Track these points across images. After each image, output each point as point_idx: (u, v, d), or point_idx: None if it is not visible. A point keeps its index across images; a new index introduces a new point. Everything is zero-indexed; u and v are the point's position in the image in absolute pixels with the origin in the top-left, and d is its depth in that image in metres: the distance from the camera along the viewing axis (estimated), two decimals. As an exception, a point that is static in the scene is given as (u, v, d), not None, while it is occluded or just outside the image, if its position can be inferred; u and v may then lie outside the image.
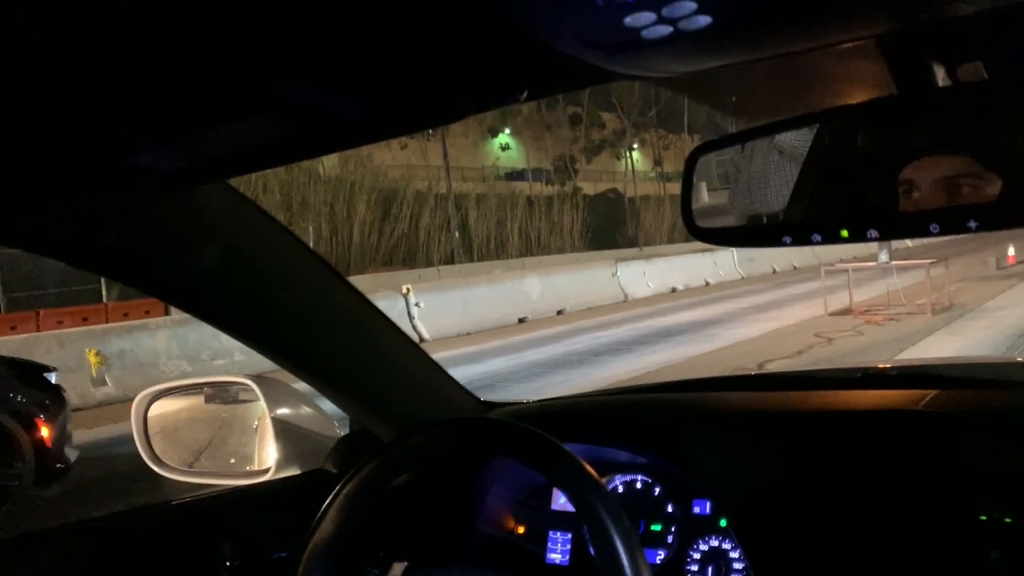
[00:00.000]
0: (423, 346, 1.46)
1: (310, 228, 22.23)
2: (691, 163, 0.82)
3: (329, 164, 24.67)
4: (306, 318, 1.20)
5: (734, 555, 1.21)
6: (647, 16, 0.45)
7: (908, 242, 18.66)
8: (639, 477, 1.35)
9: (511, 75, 0.58)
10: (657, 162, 37.42)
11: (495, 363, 10.05)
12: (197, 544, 1.24)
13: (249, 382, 1.42)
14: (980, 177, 0.65)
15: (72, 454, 5.54)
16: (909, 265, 12.14)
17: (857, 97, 0.71)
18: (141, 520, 1.25)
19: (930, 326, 9.93)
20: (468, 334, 13.12)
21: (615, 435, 1.37)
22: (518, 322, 14.34)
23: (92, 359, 9.54)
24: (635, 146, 36.16)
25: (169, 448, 1.45)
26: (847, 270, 12.86)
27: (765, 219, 0.81)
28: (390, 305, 11.88)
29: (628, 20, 0.45)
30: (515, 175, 32.68)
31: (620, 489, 1.35)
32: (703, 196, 0.82)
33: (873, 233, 0.69)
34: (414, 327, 12.63)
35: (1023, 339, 8.58)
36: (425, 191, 27.11)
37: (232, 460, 1.52)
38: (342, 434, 1.43)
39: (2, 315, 14.83)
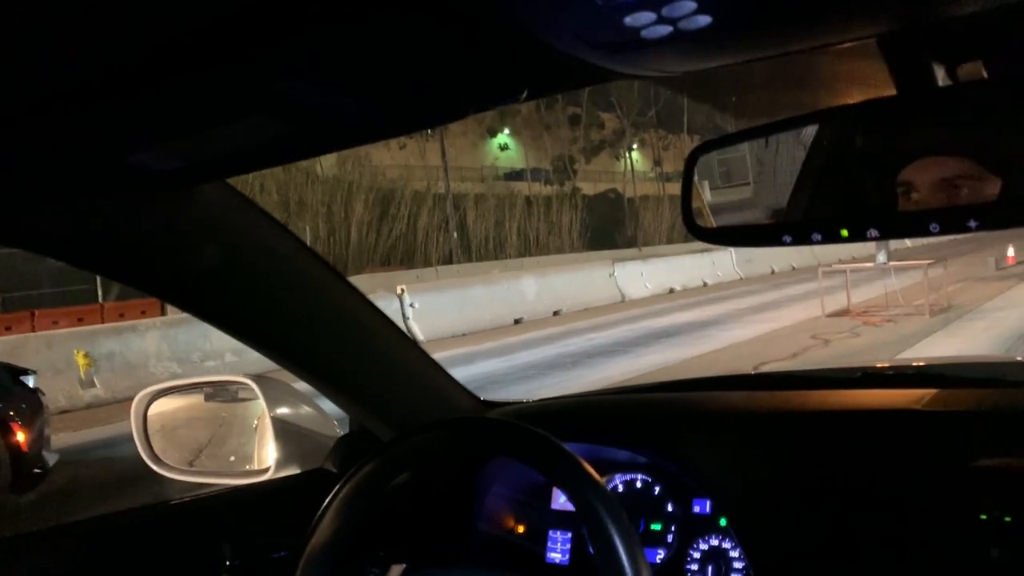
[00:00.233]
0: (417, 347, 1.45)
1: (307, 228, 22.19)
2: (691, 163, 0.82)
3: (327, 164, 24.61)
4: (306, 317, 1.20)
5: (734, 554, 1.22)
6: (647, 16, 0.45)
7: (907, 242, 18.67)
8: (639, 476, 1.35)
9: (511, 75, 0.58)
10: (656, 162, 37.38)
11: (488, 364, 10.02)
12: (197, 544, 1.23)
13: (249, 381, 1.42)
14: (980, 177, 0.65)
15: (51, 458, 5.42)
16: (907, 266, 12.10)
17: (857, 97, 0.71)
18: (141, 520, 1.25)
19: (928, 327, 9.89)
20: (463, 335, 13.09)
21: (615, 434, 1.37)
22: (514, 323, 14.31)
23: (80, 361, 9.45)
24: (634, 146, 36.09)
25: (169, 447, 1.44)
26: (845, 271, 12.83)
27: (765, 218, 0.81)
28: (385, 305, 11.68)
29: (628, 20, 0.45)
30: (514, 175, 32.62)
31: (620, 488, 1.35)
32: (706, 195, 0.82)
33: (873, 233, 0.69)
34: (408, 328, 12.59)
35: (1022, 341, 8.54)
36: (423, 191, 27.05)
37: (232, 459, 1.51)
38: (342, 434, 1.43)
39: (-1, 315, 14.81)
